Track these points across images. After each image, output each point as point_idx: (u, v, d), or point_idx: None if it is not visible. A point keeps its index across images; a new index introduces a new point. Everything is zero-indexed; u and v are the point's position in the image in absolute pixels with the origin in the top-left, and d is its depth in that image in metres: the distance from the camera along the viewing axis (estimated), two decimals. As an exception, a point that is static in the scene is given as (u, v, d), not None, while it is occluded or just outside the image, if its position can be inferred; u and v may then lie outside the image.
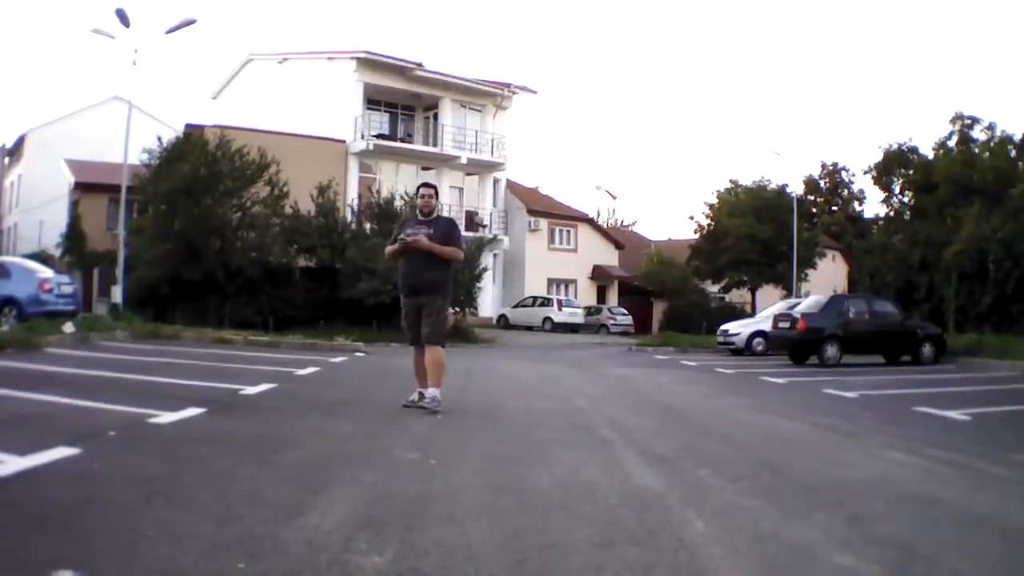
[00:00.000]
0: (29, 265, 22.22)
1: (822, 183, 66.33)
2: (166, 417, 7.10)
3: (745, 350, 26.62)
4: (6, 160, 53.28)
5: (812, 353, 21.18)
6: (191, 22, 26.05)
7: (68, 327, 16.80)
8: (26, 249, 39.97)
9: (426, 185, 9.34)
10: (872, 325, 22.00)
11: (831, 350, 20.83)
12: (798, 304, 24.98)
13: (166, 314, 26.17)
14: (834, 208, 65.75)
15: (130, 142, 25.62)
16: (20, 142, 49.27)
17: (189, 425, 6.96)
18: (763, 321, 26.84)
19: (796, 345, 21.83)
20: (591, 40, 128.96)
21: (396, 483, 5.13)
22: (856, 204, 66.40)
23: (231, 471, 5.21)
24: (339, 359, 16.77)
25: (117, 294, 25.63)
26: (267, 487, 4.84)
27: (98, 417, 6.98)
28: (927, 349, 21.90)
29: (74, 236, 37.71)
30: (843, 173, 66.81)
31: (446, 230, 8.95)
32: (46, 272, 21.58)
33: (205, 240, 27.36)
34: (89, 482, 4.65)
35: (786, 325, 22.19)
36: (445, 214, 10.41)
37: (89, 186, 37.68)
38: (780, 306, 27.78)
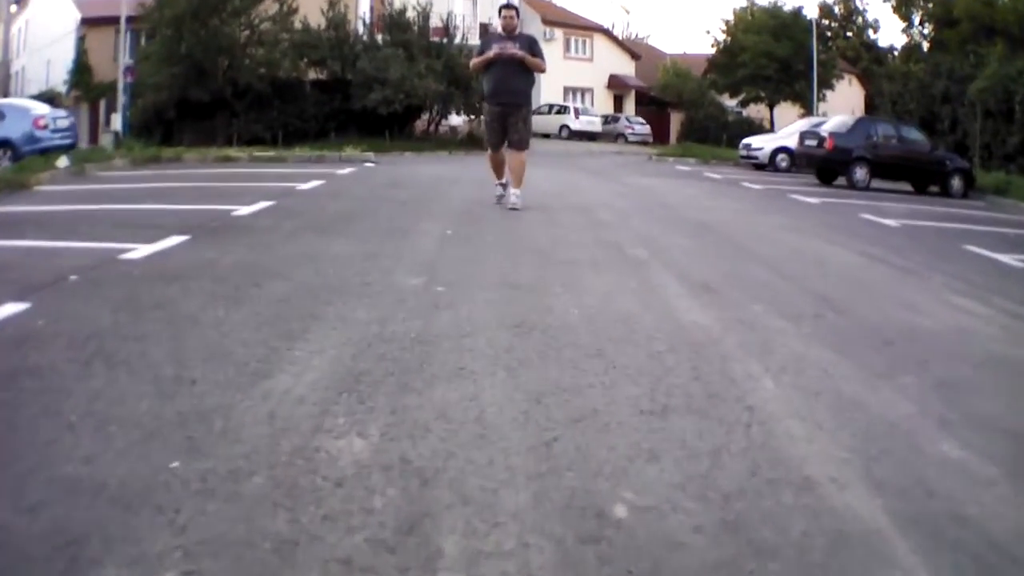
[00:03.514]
0: (22, 103, 21.74)
1: (836, 9, 63.82)
2: (142, 250, 6.15)
3: (768, 166, 25.83)
4: (13, 8, 51.34)
5: (840, 174, 20.30)
6: None
7: (62, 161, 15.82)
8: (33, 90, 39.04)
9: (508, 6, 10.17)
10: (901, 151, 20.90)
11: (860, 172, 19.85)
12: (823, 123, 23.88)
13: (174, 137, 25.62)
14: (848, 34, 63.36)
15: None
16: (26, -12, 47.25)
17: (165, 258, 6.03)
18: (786, 137, 26.16)
19: (824, 164, 20.90)
20: None
21: (393, 321, 4.26)
22: (871, 32, 64.13)
23: (197, 315, 4.34)
24: (346, 171, 15.78)
25: (117, 122, 25.08)
26: (235, 335, 3.96)
27: (64, 259, 5.95)
28: (956, 182, 20.73)
29: (80, 71, 37.32)
30: (857, 1, 64.36)
31: (530, 45, 9.78)
32: (41, 108, 20.91)
33: (213, 60, 26.69)
34: (25, 347, 3.72)
35: (813, 143, 21.21)
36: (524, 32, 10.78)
37: (95, 20, 36.51)
38: (803, 123, 26.93)
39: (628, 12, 79.82)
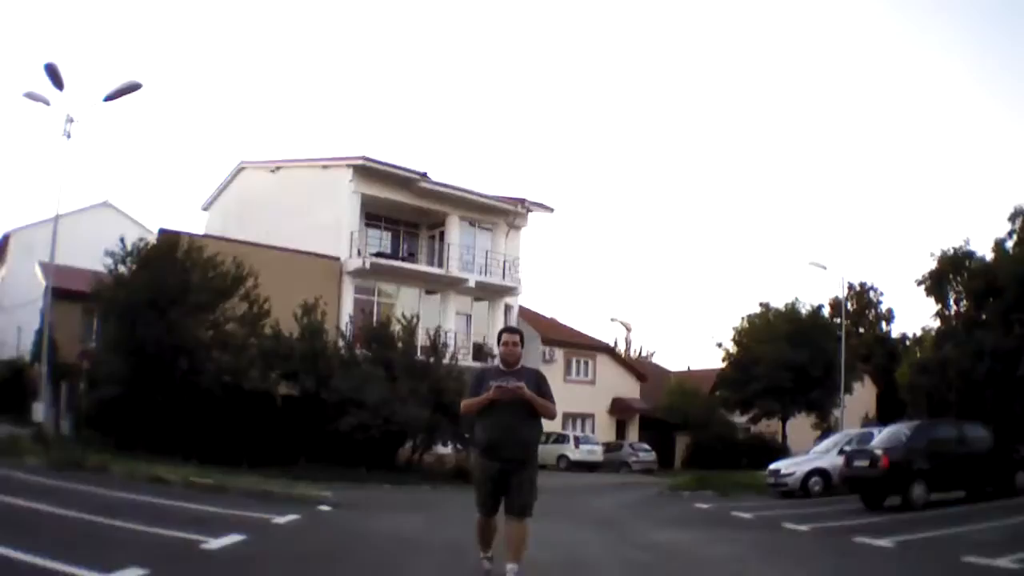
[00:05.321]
0: None
1: (849, 304, 63.09)
2: None
3: (799, 491, 22.93)
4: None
5: (894, 493, 17.83)
6: (136, 87, 23.01)
7: None
8: (5, 354, 38.04)
9: (509, 331, 8.22)
10: (963, 455, 18.59)
11: (919, 490, 17.50)
12: (865, 436, 22.49)
13: (132, 440, 22.36)
14: (860, 330, 63.13)
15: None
16: (4, 242, 46.16)
17: None
18: (818, 458, 23.99)
19: (874, 486, 18.26)
20: (610, 159, 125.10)
21: None
22: (884, 324, 64.76)
23: None
24: (285, 519, 12.30)
25: (39, 412, 22.53)
26: None
27: None
28: (1022, 476, 19.44)
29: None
30: (871, 293, 65.38)
31: (537, 382, 7.87)
32: None
33: (170, 358, 23.53)
34: None
35: (864, 463, 18.50)
36: (528, 366, 8.41)
37: (63, 292, 33.73)
38: (833, 441, 25.22)
39: (629, 329, 78.39)
